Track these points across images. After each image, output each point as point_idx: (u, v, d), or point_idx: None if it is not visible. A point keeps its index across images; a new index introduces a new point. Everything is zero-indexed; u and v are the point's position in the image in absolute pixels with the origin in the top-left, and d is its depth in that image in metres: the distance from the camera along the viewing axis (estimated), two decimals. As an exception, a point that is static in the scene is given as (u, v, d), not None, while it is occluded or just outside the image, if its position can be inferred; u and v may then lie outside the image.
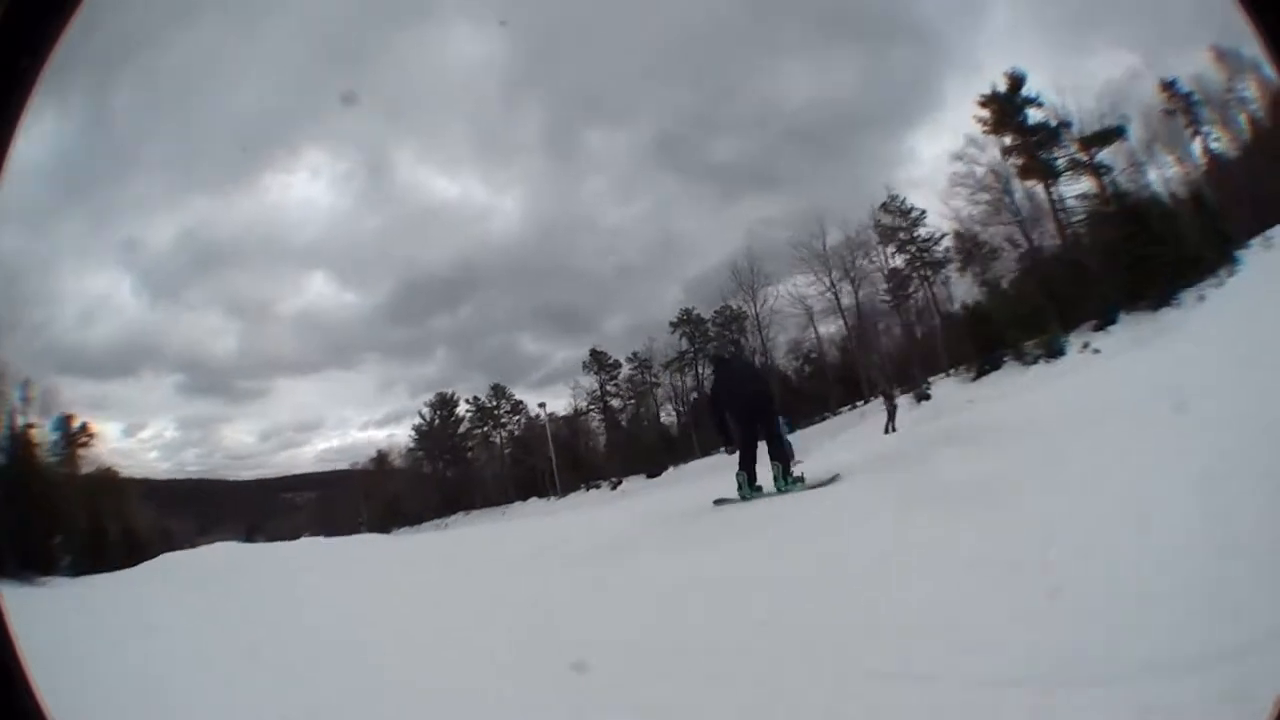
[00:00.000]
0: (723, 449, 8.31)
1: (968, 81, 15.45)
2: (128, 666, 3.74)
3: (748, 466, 7.46)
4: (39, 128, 15.72)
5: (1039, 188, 15.68)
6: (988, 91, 15.52)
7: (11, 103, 1.64)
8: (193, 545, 17.76)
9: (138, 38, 15.55)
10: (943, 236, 17.10)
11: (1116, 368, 11.52)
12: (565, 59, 18.14)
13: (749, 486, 7.46)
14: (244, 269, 19.56)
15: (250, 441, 18.77)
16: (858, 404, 17.53)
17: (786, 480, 7.28)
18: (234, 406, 19.65)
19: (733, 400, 7.94)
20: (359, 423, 20.45)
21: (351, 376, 20.86)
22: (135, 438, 17.57)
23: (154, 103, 16.40)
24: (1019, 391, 13.22)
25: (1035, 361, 14.47)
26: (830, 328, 18.36)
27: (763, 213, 17.69)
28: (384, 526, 18.29)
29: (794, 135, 16.57)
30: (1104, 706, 2.00)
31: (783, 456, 7.42)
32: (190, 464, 18.28)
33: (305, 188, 20.82)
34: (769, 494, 7.36)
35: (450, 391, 19.12)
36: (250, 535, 19.06)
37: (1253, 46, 1.62)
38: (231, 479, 18.48)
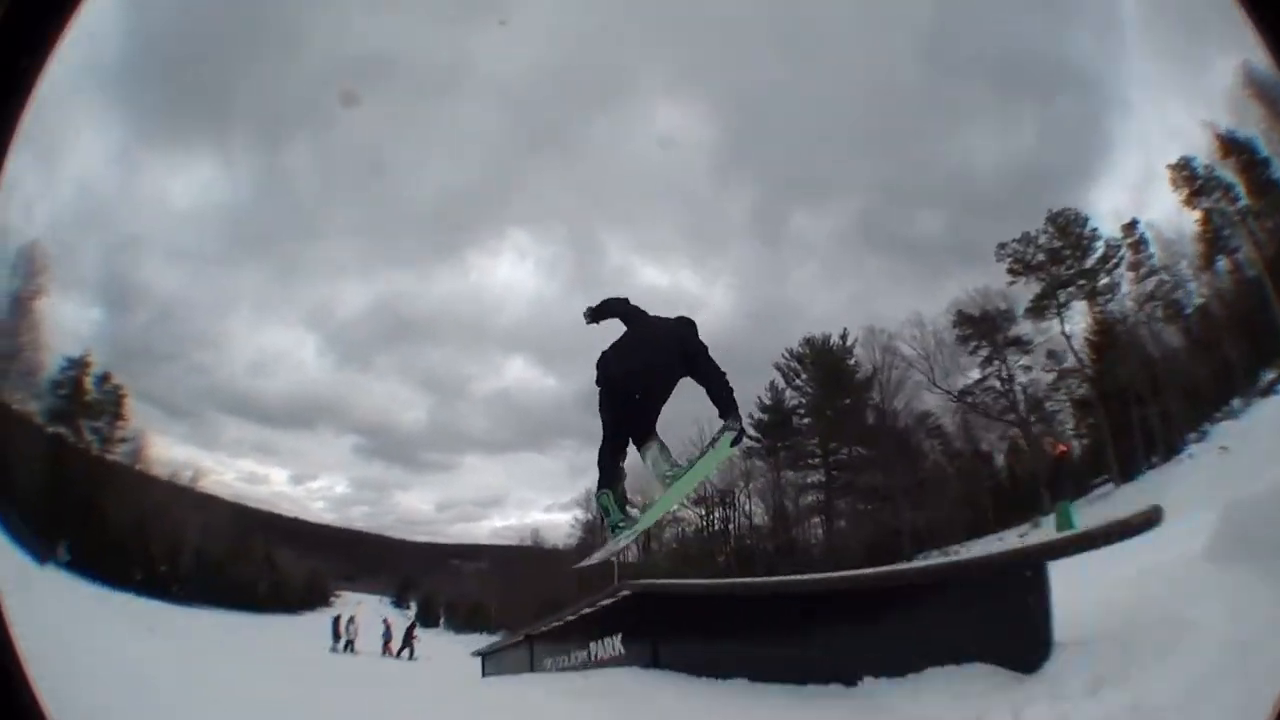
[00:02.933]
0: None
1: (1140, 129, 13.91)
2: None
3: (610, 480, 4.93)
4: (206, 173, 15.63)
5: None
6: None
7: (11, 103, 1.64)
8: (335, 591, 18.51)
9: (324, 100, 15.24)
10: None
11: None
12: (767, 137, 17.09)
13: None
14: (441, 345, 19.25)
15: (426, 509, 18.84)
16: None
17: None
18: (414, 475, 19.50)
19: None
20: (543, 505, 19.88)
21: (543, 460, 20.75)
22: (303, 486, 17.86)
23: (346, 168, 16.45)
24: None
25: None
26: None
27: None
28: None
29: (984, 202, 15.96)
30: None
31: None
32: (357, 521, 18.55)
33: (510, 269, 20.20)
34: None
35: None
36: (403, 591, 19.39)
37: None
38: (397, 538, 18.66)
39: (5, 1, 1.58)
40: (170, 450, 15.23)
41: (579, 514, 18.10)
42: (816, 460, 17.60)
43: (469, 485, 19.84)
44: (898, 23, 14.76)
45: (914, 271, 18.44)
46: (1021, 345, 15.67)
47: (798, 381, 17.58)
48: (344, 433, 19.09)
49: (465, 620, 19.02)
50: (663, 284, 18.73)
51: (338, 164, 16.38)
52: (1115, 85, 14.09)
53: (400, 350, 19.03)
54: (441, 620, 19.40)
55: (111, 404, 14.66)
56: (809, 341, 17.09)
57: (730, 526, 18.41)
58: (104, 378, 14.49)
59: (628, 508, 4.86)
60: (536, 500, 19.72)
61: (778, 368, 17.20)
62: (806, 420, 17.70)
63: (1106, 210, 14.85)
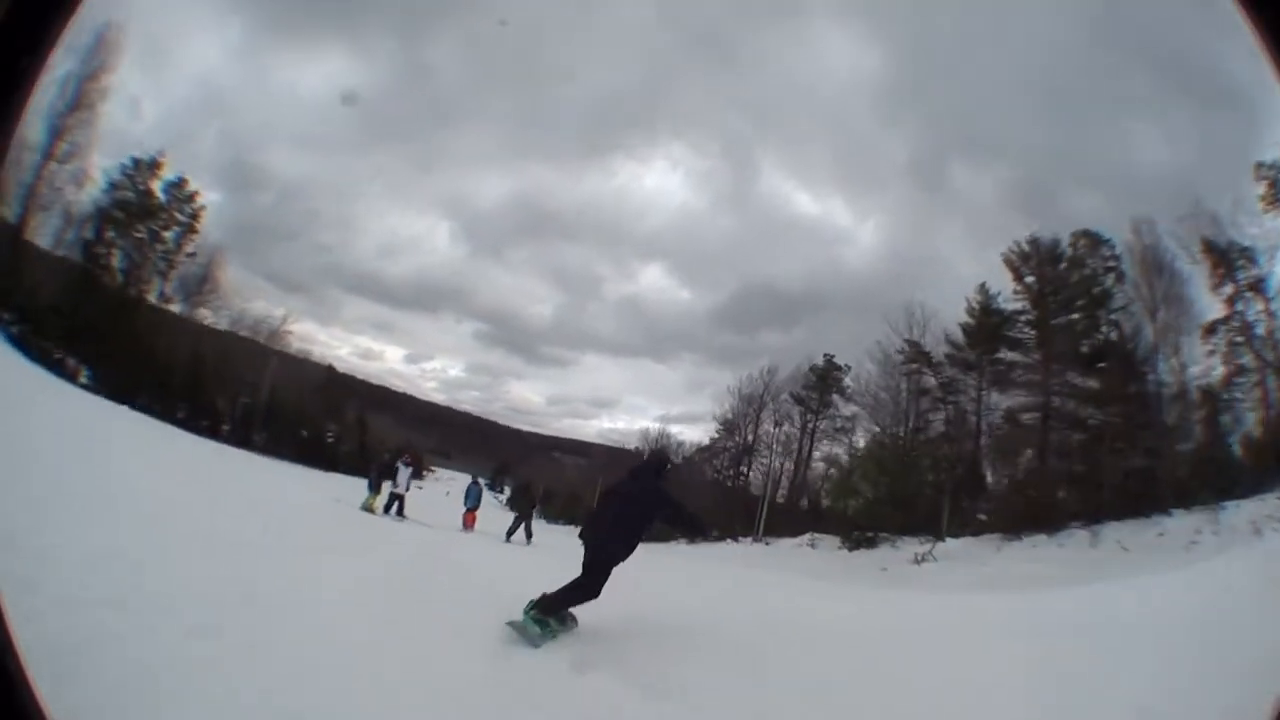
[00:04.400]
0: None
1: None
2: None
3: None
4: (335, 66, 16.02)
5: None
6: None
7: (12, 103, 1.64)
8: (428, 466, 18.66)
9: None
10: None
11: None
12: (937, 85, 16.64)
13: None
14: (579, 243, 19.25)
15: (537, 400, 19.10)
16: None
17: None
18: (532, 367, 19.83)
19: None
20: (654, 414, 19.84)
21: (662, 370, 20.26)
22: (417, 366, 18.25)
23: (484, 59, 16.32)
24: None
25: None
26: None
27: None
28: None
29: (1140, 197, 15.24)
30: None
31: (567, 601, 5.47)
32: (465, 404, 18.67)
33: (659, 178, 19.52)
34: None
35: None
36: (499, 473, 19.37)
37: None
38: (503, 424, 18.81)
39: (5, 2, 1.58)
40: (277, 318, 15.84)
41: (686, 427, 18.12)
42: (1035, 380, 14.73)
43: (583, 384, 19.75)
44: (1074, 6, 14.44)
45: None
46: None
47: (1024, 281, 15.21)
48: (466, 318, 19.20)
49: (559, 510, 18.92)
50: (812, 212, 18.52)
51: (483, 55, 16.36)
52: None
53: (536, 244, 19.19)
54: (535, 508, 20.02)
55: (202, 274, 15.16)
56: (1034, 242, 14.87)
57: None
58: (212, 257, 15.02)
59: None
60: (648, 408, 19.80)
61: (1006, 261, 15.09)
62: (1029, 331, 15.06)
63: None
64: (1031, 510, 12.87)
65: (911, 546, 13.60)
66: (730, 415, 18.27)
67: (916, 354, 15.89)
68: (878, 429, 16.28)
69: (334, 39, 16.42)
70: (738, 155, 19.05)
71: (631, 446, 18.45)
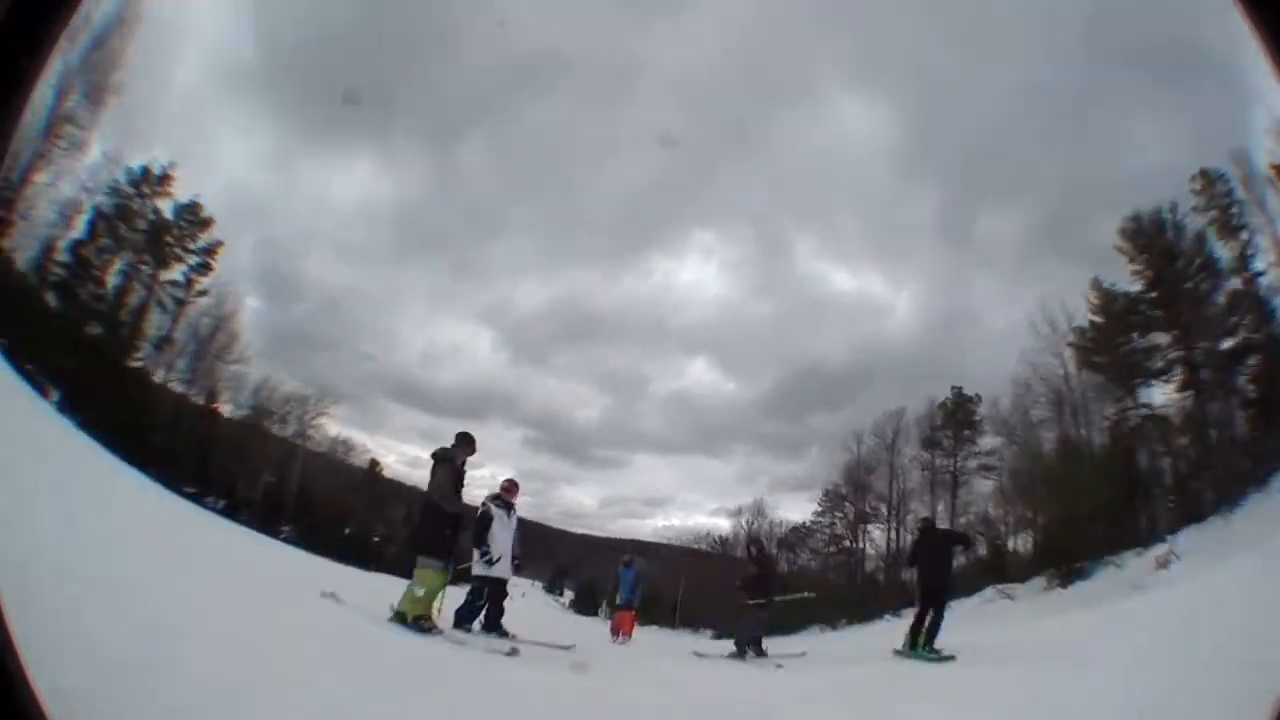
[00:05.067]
0: None
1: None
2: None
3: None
4: (364, 173, 16.37)
5: None
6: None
7: (12, 103, 1.64)
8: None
9: (498, 100, 15.62)
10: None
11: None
12: (950, 136, 16.75)
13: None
14: (621, 344, 19.28)
15: (590, 504, 18.86)
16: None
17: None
18: (583, 470, 19.73)
19: None
20: (709, 508, 19.58)
21: (714, 464, 20.45)
22: (467, 474, 17.61)
23: (522, 168, 16.24)
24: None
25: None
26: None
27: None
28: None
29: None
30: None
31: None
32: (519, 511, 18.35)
33: (694, 270, 19.60)
34: None
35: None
36: (557, 577, 19.14)
37: None
38: (558, 527, 18.63)
39: (5, 2, 1.58)
40: (333, 429, 15.90)
41: (739, 519, 18.01)
42: (1175, 357, 13.27)
43: (636, 484, 19.67)
44: (1059, 13, 14.20)
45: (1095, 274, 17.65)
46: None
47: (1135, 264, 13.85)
48: (515, 425, 19.49)
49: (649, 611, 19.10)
50: (848, 287, 18.48)
51: (513, 163, 16.49)
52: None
53: (578, 348, 19.36)
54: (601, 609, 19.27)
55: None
56: (1137, 218, 13.64)
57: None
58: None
59: None
60: (702, 504, 19.78)
61: (1118, 248, 13.85)
62: (1157, 310, 13.60)
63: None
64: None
65: (1133, 560, 11.74)
66: (838, 482, 17.60)
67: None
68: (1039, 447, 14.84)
69: (364, 146, 16.51)
70: (769, 238, 19.19)
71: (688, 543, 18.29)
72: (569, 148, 16.16)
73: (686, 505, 19.55)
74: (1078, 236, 15.92)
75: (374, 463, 16.27)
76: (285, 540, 14.28)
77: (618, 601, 10.92)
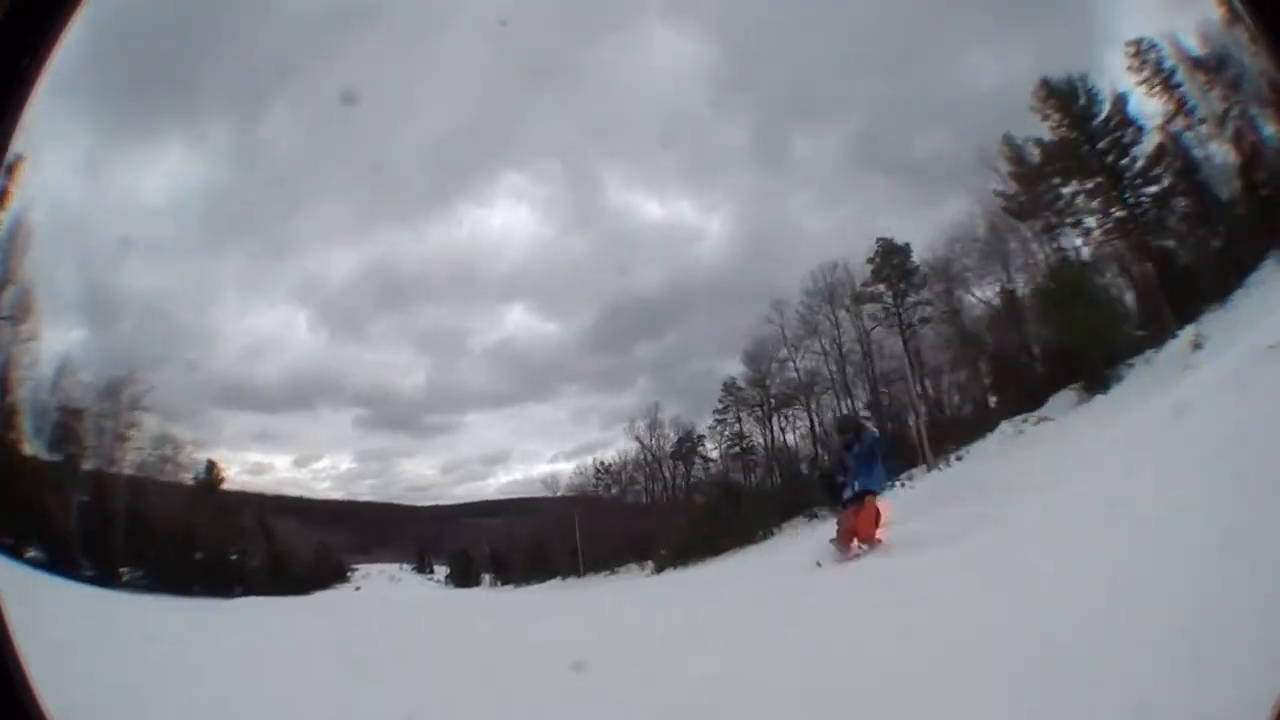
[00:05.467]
0: None
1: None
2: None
3: None
4: (175, 161, 15.40)
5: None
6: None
7: (11, 103, 1.64)
8: (351, 566, 17.95)
9: (291, 59, 14.94)
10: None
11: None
12: (767, 59, 16.55)
13: None
14: (437, 303, 18.93)
15: (431, 474, 18.50)
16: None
17: None
18: (419, 440, 19.46)
19: None
20: (548, 456, 19.72)
21: (546, 409, 20.07)
22: (308, 469, 17.44)
23: (320, 129, 15.55)
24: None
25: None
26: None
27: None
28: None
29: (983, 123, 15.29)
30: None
31: None
32: (364, 494, 18.05)
33: (504, 215, 19.42)
34: None
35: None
36: (423, 554, 18.94)
37: None
38: (407, 504, 18.27)
39: (5, 2, 1.58)
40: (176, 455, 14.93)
41: (583, 460, 18.11)
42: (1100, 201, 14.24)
43: (473, 444, 19.58)
44: None
45: (913, 194, 17.84)
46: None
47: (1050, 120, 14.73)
48: (343, 407, 19.17)
49: (510, 572, 18.67)
50: (660, 215, 18.55)
51: (317, 126, 15.76)
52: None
53: (395, 314, 18.82)
54: (486, 576, 19.09)
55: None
56: (1046, 83, 14.46)
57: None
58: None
59: None
60: (541, 452, 19.82)
61: (1032, 107, 14.72)
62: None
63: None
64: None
65: (1157, 356, 12.04)
66: (755, 353, 17.43)
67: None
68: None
69: (170, 132, 15.65)
70: (578, 174, 19.01)
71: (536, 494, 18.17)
72: (372, 102, 15.13)
73: (526, 456, 19.50)
74: (900, 151, 16.31)
75: (212, 465, 15.26)
76: (129, 587, 12.85)
77: (854, 490, 7.87)
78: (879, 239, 16.32)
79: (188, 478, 15.11)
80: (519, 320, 20.29)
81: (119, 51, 12.69)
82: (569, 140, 17.38)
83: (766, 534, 15.90)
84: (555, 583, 17.66)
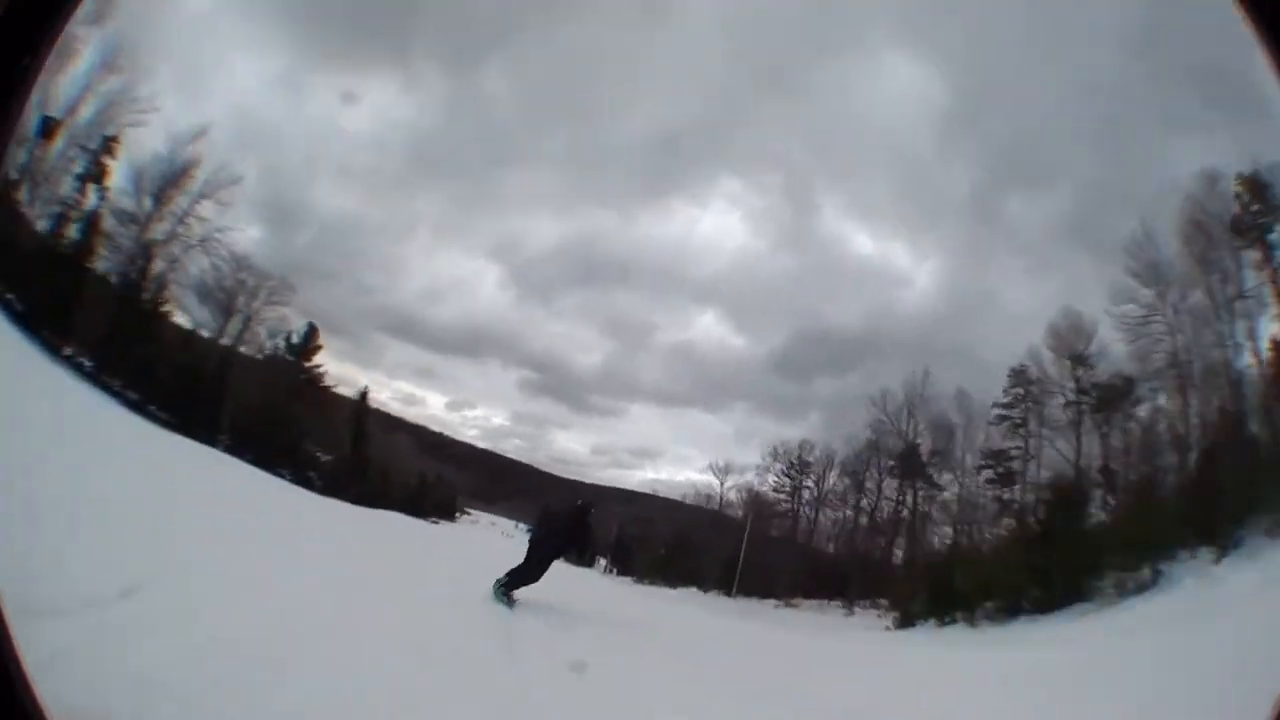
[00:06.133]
0: None
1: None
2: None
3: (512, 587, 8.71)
4: (384, 95, 15.84)
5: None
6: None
7: (12, 102, 1.64)
8: (465, 508, 18.11)
9: (517, 20, 14.76)
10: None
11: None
12: (992, 110, 16.15)
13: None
14: (632, 290, 18.22)
15: (581, 451, 18.43)
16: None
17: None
18: (578, 415, 19.19)
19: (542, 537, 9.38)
20: (699, 465, 19.48)
21: (711, 420, 19.31)
22: (459, 413, 17.81)
23: (541, 95, 15.71)
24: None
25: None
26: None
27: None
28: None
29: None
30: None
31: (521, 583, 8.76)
32: (507, 451, 18.22)
33: (716, 219, 18.97)
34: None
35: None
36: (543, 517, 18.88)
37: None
38: (545, 470, 18.12)
39: (5, 2, 1.58)
40: (326, 366, 15.32)
41: (731, 478, 17.42)
42: None
43: (630, 434, 19.07)
44: (1122, 14, 13.61)
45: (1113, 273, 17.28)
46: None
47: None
48: (512, 366, 18.82)
49: (632, 564, 18.20)
50: (871, 252, 17.61)
51: (536, 91, 15.85)
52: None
53: (587, 290, 18.51)
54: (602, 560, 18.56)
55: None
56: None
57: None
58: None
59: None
60: (694, 459, 19.40)
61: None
62: None
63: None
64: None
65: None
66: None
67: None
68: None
69: (383, 68, 15.84)
70: (798, 193, 18.19)
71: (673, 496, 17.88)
72: (596, 78, 15.40)
73: (678, 459, 19.25)
74: (1105, 231, 15.69)
75: (364, 394, 15.78)
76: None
77: None
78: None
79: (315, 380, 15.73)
80: (708, 326, 19.82)
81: None
82: (792, 155, 16.75)
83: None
84: (692, 593, 16.78)
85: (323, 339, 15.47)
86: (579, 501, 10.21)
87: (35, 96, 1.72)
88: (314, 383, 15.52)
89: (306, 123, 15.20)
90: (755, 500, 17.64)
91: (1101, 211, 15.37)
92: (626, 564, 18.13)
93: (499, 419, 18.17)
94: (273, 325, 14.73)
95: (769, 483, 17.66)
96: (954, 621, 11.81)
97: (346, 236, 16.02)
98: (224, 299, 14.30)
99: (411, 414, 16.90)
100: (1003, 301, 16.33)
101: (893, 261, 18.05)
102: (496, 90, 16.34)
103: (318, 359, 15.18)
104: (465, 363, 18.29)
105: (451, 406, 17.42)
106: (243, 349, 14.67)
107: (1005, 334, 15.76)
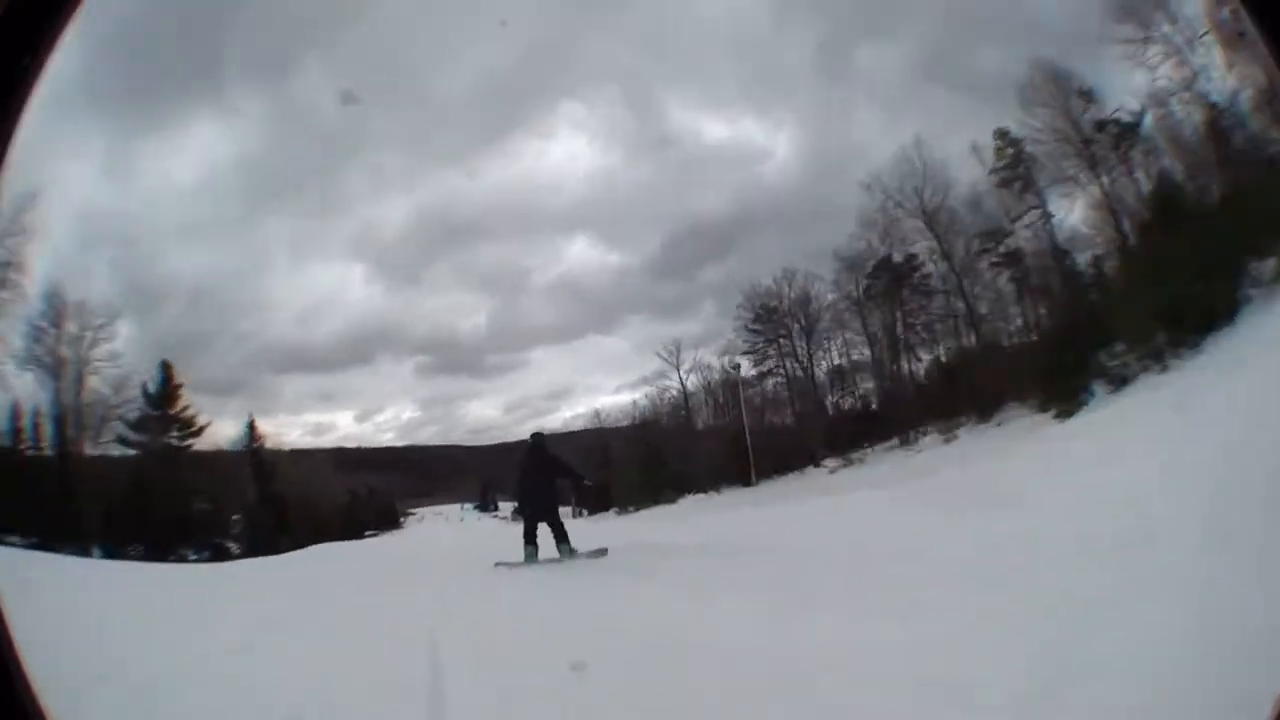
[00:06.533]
0: None
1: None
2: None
3: (529, 539, 9.48)
4: (204, 139, 15.02)
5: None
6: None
7: (11, 102, 1.64)
8: (409, 508, 17.84)
9: (312, 14, 14.25)
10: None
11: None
12: None
13: (534, 556, 9.41)
14: (496, 241, 18.28)
15: (494, 414, 18.33)
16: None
17: (570, 554, 9.27)
18: (481, 381, 19.07)
19: (520, 486, 10.18)
20: (611, 388, 18.99)
21: (611, 341, 19.42)
22: (370, 422, 17.47)
23: (356, 80, 15.04)
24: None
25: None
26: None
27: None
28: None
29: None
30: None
31: (561, 534, 9.38)
32: (426, 440, 17.95)
33: (564, 146, 18.86)
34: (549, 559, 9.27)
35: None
36: (485, 491, 18.75)
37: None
38: (469, 445, 18.08)
39: (5, 2, 1.58)
40: (229, 429, 15.00)
41: (646, 390, 17.44)
42: None
43: (536, 382, 19.08)
44: None
45: (975, 107, 16.89)
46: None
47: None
48: (403, 356, 18.63)
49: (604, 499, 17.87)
50: (725, 136, 17.57)
51: (355, 75, 15.38)
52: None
53: (452, 256, 18.53)
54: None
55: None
56: None
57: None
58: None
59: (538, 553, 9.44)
60: (604, 384, 19.42)
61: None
62: None
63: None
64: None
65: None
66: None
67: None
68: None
69: (197, 108, 15.29)
70: (639, 98, 18.37)
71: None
72: (411, 42, 14.69)
73: (590, 389, 19.12)
74: (964, 69, 15.40)
75: (251, 425, 15.03)
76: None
77: None
78: (996, 129, 14.56)
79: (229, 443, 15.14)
80: (581, 253, 19.74)
81: (118, 50, 12.38)
82: (627, 63, 16.52)
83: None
84: (701, 500, 15.90)
85: (216, 400, 14.92)
86: (528, 441, 10.59)
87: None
88: (188, 432, 14.84)
89: (138, 198, 14.53)
90: (730, 381, 17.13)
91: (953, 47, 14.95)
92: (593, 500, 17.29)
93: (408, 413, 17.97)
94: (112, 377, 13.92)
95: (736, 355, 17.24)
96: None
97: (210, 293, 15.38)
98: (47, 357, 13.37)
99: (326, 441, 16.55)
100: (866, 153, 15.90)
101: (749, 140, 18.07)
102: (309, 91, 15.84)
103: (182, 402, 14.65)
104: (358, 371, 17.96)
105: (360, 418, 17.20)
106: (86, 430, 13.75)
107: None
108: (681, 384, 17.42)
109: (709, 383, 17.75)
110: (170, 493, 14.23)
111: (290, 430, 16.11)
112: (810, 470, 15.62)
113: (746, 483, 15.70)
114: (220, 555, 14.31)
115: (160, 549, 13.43)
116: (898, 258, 15.89)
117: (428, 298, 18.47)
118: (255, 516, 15.27)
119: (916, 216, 15.42)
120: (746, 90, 17.12)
